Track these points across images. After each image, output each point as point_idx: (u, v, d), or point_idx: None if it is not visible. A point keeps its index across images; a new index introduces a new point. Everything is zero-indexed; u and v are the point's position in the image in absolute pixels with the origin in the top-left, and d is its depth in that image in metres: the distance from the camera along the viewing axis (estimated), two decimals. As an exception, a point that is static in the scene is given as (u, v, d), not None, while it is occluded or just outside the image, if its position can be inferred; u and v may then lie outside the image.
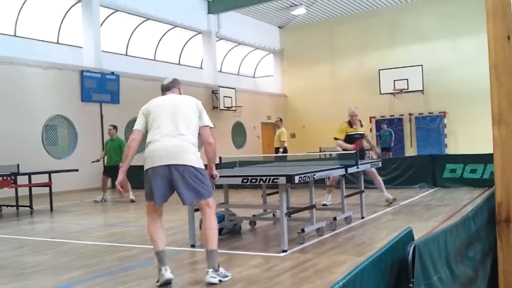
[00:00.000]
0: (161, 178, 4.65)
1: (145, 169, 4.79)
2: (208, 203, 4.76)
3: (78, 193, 15.45)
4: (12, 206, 11.31)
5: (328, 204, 9.64)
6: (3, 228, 9.14)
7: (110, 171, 12.83)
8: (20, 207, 11.29)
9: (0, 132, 14.52)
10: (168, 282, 4.59)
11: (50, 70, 16.27)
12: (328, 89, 26.47)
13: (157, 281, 4.64)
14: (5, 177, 10.37)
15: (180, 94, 5.16)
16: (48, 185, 11.16)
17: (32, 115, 15.56)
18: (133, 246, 6.64)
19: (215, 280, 4.57)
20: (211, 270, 4.60)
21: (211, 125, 4.97)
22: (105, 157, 13.57)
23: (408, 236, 2.54)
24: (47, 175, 11.21)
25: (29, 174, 10.92)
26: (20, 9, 16.82)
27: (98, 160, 14.14)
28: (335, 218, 7.15)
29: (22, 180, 10.96)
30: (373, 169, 9.27)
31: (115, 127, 13.35)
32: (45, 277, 5.23)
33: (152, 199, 4.75)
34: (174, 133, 4.62)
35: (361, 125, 9.88)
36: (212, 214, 4.77)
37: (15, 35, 16.88)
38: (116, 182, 4.94)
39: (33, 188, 11.11)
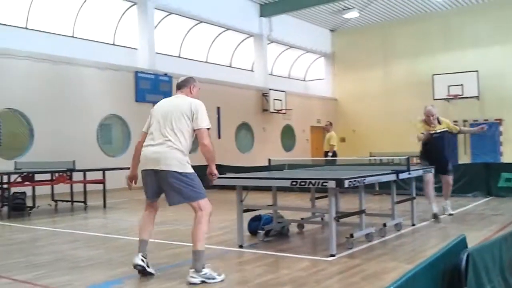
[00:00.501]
0: (150, 179, 5.05)
1: (141, 169, 5.16)
2: (199, 205, 4.93)
3: (130, 191, 15.76)
4: (67, 201, 11.70)
5: (444, 213, 8.90)
6: (58, 222, 9.48)
7: None
8: (74, 203, 11.67)
9: (58, 129, 15.07)
10: (135, 266, 5.00)
11: (106, 71, 16.76)
12: (379, 94, 26.11)
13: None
14: (61, 173, 10.75)
15: (191, 92, 5.41)
16: (102, 182, 11.49)
17: (88, 114, 16.07)
18: (182, 244, 6.75)
19: (195, 281, 4.71)
20: (192, 270, 4.74)
21: (207, 126, 5.15)
22: None
23: (461, 244, 2.50)
24: (101, 172, 11.56)
25: (84, 171, 11.29)
26: (78, 11, 17.39)
27: None
28: (384, 225, 7.05)
29: (77, 176, 11.33)
30: (431, 178, 8.65)
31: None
32: (98, 270, 5.39)
33: (146, 195, 5.22)
34: (161, 140, 4.96)
35: (439, 122, 8.89)
36: (202, 216, 4.90)
37: (73, 36, 17.46)
38: (127, 177, 5.48)
39: (87, 184, 11.48)
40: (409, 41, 25.44)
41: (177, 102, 5.23)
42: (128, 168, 13.07)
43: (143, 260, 5.02)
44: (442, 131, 8.86)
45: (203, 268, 4.78)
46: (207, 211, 4.96)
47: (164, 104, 5.30)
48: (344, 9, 24.57)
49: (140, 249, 5.11)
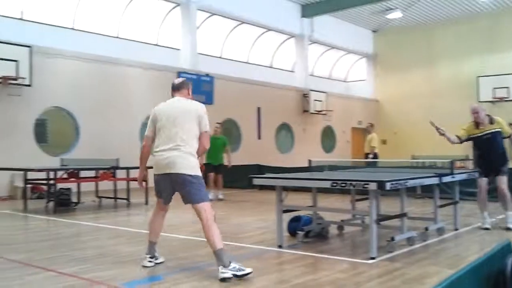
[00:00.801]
0: (164, 183, 5.31)
1: (154, 173, 5.39)
2: (204, 207, 5.12)
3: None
4: (110, 198, 11.96)
5: (489, 227, 7.81)
6: (102, 218, 9.71)
7: (215, 169, 12.98)
8: (118, 199, 11.92)
9: (102, 128, 15.43)
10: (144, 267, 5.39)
11: (149, 71, 17.06)
12: (422, 95, 25.67)
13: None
14: (105, 171, 11.01)
15: (189, 95, 5.61)
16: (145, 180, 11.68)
17: (132, 113, 16.39)
18: (223, 243, 6.79)
19: (227, 275, 4.79)
20: (221, 267, 4.85)
21: (209, 130, 5.48)
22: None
23: (506, 249, 2.46)
24: (143, 170, 11.74)
25: (127, 169, 11.52)
26: (123, 12, 17.78)
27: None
28: (426, 228, 6.93)
29: (120, 174, 11.57)
30: (483, 184, 7.99)
31: (222, 125, 13.11)
32: (140, 266, 5.50)
33: (161, 198, 5.46)
34: (173, 145, 5.18)
35: (491, 122, 8.02)
36: (208, 219, 5.10)
37: (118, 37, 17.86)
38: (138, 178, 5.83)
39: (130, 182, 11.72)
40: (453, 41, 24.93)
41: (184, 105, 5.43)
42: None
43: (150, 261, 5.41)
44: (492, 132, 7.96)
45: (230, 262, 4.87)
46: (212, 214, 5.16)
47: (169, 107, 5.45)
48: (387, 10, 24.27)
49: (150, 251, 5.44)
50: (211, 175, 12.89)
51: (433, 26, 25.71)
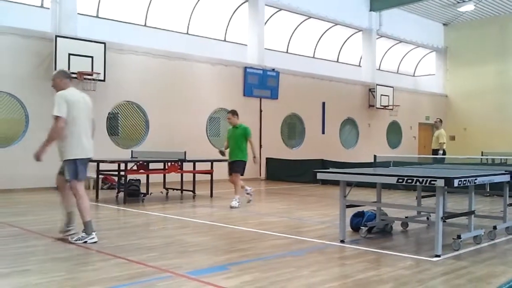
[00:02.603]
0: (85, 165, 6.47)
1: (75, 158, 6.31)
2: (70, 185, 6.36)
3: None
4: (177, 189, 12.31)
5: None
6: (169, 209, 10.02)
7: (230, 167, 10.81)
8: (184, 191, 12.25)
9: (171, 121, 15.88)
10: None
11: (217, 66, 17.37)
12: (494, 91, 24.68)
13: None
14: (173, 163, 11.34)
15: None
16: (210, 172, 11.97)
17: (199, 107, 16.76)
18: (284, 236, 6.89)
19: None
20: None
21: (57, 114, 6.16)
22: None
23: None
24: (209, 163, 12.03)
25: (194, 162, 11.83)
26: (193, 9, 18.17)
27: (222, 153, 11.13)
28: (495, 227, 6.72)
29: (187, 166, 11.88)
30: None
31: (234, 113, 10.71)
32: (205, 256, 5.67)
33: (84, 178, 6.49)
34: (89, 134, 6.50)
35: None
36: (73, 194, 6.42)
37: (187, 33, 18.30)
38: (35, 154, 6.27)
39: (196, 174, 12.02)
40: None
41: (87, 98, 6.59)
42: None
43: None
44: None
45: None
46: (75, 189, 6.35)
47: (80, 98, 6.45)
48: (458, 2, 23.47)
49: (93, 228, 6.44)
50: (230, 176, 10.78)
51: (506, 19, 24.64)
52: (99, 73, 14.04)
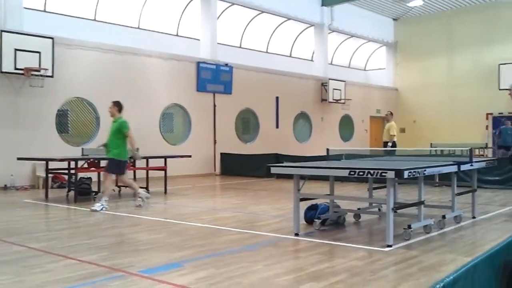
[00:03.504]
0: None
1: None
2: None
3: (190, 178, 16.18)
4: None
5: None
6: (121, 207, 9.84)
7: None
8: (137, 189, 12.05)
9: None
10: None
11: (169, 61, 17.15)
12: (442, 84, 25.39)
13: None
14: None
15: None
16: (164, 169, 11.83)
17: (151, 103, 16.51)
18: (239, 231, 6.88)
19: None
20: None
21: None
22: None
23: (523, 236, 2.45)
24: (163, 159, 11.89)
25: (147, 158, 11.66)
26: (144, 3, 17.87)
27: (105, 145, 10.00)
28: (444, 216, 6.91)
29: (140, 163, 11.70)
30: None
31: (115, 104, 10.00)
32: (159, 253, 5.60)
33: None
34: None
35: None
36: None
37: (138, 28, 17.99)
38: None
39: (149, 171, 11.85)
40: (474, 29, 24.54)
41: None
42: (189, 156, 13.50)
43: None
44: None
45: None
46: None
47: None
48: (407, -3, 24.00)
49: None
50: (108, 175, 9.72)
51: (453, 14, 25.35)
52: (47, 69, 13.61)
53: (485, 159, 8.53)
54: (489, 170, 11.12)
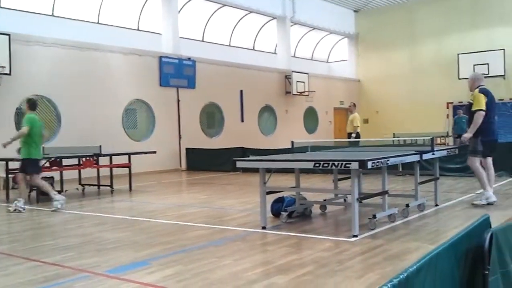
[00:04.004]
0: None
1: None
2: None
3: (155, 174, 16.02)
4: (94, 185, 11.90)
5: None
6: (85, 206, 9.68)
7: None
8: (101, 187, 11.88)
9: (84, 115, 15.29)
10: None
11: (130, 56, 16.90)
12: (404, 74, 25.80)
13: None
14: (88, 158, 10.95)
15: None
16: (128, 166, 11.67)
17: (114, 99, 16.25)
18: (206, 226, 6.85)
19: None
20: None
21: None
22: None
23: (485, 223, 2.50)
24: (127, 156, 11.74)
25: (110, 155, 11.48)
26: (103, -3, 17.57)
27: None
28: (407, 205, 7.03)
29: (103, 161, 11.52)
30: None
31: (28, 101, 9.83)
32: (125, 252, 5.52)
33: None
34: None
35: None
36: None
37: (98, 23, 17.65)
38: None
39: (113, 168, 11.68)
40: (434, 20, 25.01)
41: None
42: (153, 152, 13.37)
43: None
44: (468, 103, 8.09)
45: None
46: None
47: None
48: (367, -11, 24.24)
49: None
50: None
51: (413, 4, 25.75)
52: (4, 67, 13.24)
53: (446, 147, 8.72)
54: (451, 158, 11.38)
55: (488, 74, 22.30)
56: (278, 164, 6.91)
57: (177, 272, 4.60)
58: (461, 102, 23.53)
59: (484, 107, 7.68)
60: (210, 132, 19.90)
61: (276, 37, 24.06)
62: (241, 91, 20.77)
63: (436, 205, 7.83)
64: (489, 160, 8.07)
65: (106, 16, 17.81)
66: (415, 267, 1.90)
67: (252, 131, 21.26)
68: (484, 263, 2.28)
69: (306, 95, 23.65)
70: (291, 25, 24.18)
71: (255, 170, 7.00)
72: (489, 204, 7.76)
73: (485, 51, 22.42)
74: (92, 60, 15.74)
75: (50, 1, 16.31)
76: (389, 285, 1.71)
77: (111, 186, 11.50)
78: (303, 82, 23.36)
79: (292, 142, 8.22)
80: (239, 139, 19.19)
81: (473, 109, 7.78)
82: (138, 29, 19.02)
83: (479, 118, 7.65)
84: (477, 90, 7.87)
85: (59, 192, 10.92)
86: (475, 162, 7.94)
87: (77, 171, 11.73)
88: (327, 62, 29.30)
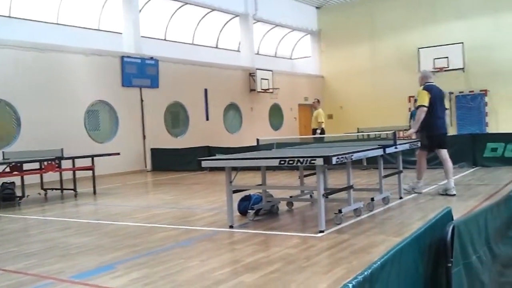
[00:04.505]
0: None
1: None
2: None
3: (120, 176, 15.81)
4: (57, 189, 11.67)
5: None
6: (48, 210, 9.47)
7: None
8: (64, 190, 11.65)
9: (45, 117, 14.94)
10: None
11: (91, 57, 16.60)
12: (366, 69, 26.10)
13: None
14: (50, 162, 10.71)
15: None
16: (91, 168, 11.47)
17: (75, 100, 15.94)
18: (173, 227, 6.78)
19: None
20: None
21: None
22: None
23: (447, 216, 2.54)
24: (90, 159, 11.53)
25: (73, 158, 11.25)
26: (61, -3, 17.20)
27: None
28: (372, 199, 7.12)
29: (66, 164, 11.29)
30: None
31: None
32: (90, 257, 5.42)
33: None
34: None
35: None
36: None
37: (57, 23, 17.27)
38: None
39: (76, 171, 11.46)
40: (395, 15, 25.37)
41: None
42: (117, 154, 13.16)
43: None
44: (415, 100, 8.68)
45: None
46: None
47: None
48: (328, -15, 24.42)
49: None
50: None
51: (374, 0, 26.07)
52: (-41, 70, 12.85)
53: (409, 141, 8.85)
54: (413, 151, 11.56)
55: (448, 67, 22.83)
56: (243, 163, 6.88)
57: (143, 275, 4.54)
58: (422, 96, 24.01)
59: (426, 103, 8.09)
60: (175, 132, 19.75)
61: (239, 35, 24.03)
62: (206, 90, 20.66)
63: (400, 198, 7.95)
64: (444, 152, 8.34)
65: (65, 16, 17.44)
66: (379, 262, 1.92)
67: (217, 129, 21.19)
68: (447, 256, 2.31)
69: (271, 92, 23.70)
70: (254, 23, 24.17)
71: (221, 169, 6.98)
72: (448, 195, 8.03)
73: (444, 45, 22.86)
74: (52, 61, 15.40)
75: (7, 1, 15.87)
76: (354, 282, 1.72)
77: (74, 189, 11.29)
78: (267, 79, 23.40)
79: (258, 140, 8.22)
80: (205, 138, 19.11)
81: (416, 105, 8.32)
82: (98, 29, 18.69)
83: (421, 114, 8.12)
84: (421, 87, 8.35)
85: (21, 198, 10.68)
86: (420, 155, 8.52)
87: (39, 175, 11.47)
88: (291, 59, 29.41)
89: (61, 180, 11.63)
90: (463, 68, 22.86)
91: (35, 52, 14.99)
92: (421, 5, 24.63)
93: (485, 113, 23.28)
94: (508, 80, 21.81)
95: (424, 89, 8.22)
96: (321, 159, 5.50)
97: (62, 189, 11.64)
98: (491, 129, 22.44)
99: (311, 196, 8.11)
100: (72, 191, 11.31)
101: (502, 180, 9.54)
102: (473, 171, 11.38)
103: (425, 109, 8.05)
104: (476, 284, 2.56)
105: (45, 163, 10.74)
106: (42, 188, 11.70)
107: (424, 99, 8.11)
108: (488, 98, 23.18)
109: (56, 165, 10.83)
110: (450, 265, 2.29)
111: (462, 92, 23.67)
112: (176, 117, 20.02)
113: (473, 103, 23.54)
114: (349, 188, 6.60)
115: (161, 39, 21.08)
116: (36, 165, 10.91)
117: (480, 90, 23.25)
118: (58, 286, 4.39)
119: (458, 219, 2.50)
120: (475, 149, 12.21)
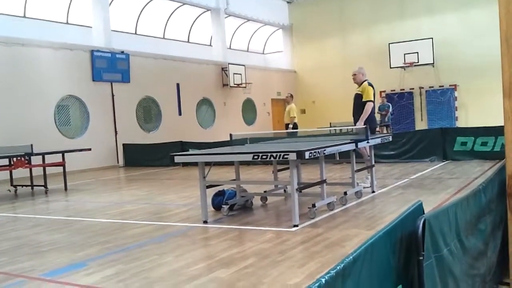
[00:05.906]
0: None
1: None
2: None
3: (92, 172, 15.62)
4: (27, 186, 11.47)
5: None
6: (19, 207, 9.30)
7: None
8: (35, 187, 11.45)
9: (14, 113, 14.65)
10: None
11: (60, 51, 16.31)
12: (338, 64, 26.27)
13: None
14: (19, 158, 10.51)
15: None
16: (62, 164, 11.29)
17: (44, 96, 15.66)
18: (147, 223, 6.74)
19: None
20: None
21: None
22: None
23: (418, 210, 2.57)
24: (60, 154, 11.35)
25: (43, 154, 11.06)
26: (29, -10, 16.83)
27: None
28: (345, 193, 7.19)
29: (36, 160, 11.09)
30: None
31: None
32: (61, 254, 5.34)
33: None
34: None
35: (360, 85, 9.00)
36: None
37: (24, 17, 16.90)
38: None
39: (47, 167, 11.27)
40: (365, 10, 25.58)
41: None
42: (88, 149, 13.00)
43: None
44: (356, 95, 9.00)
45: None
46: None
47: None
48: (300, -20, 24.48)
49: None
50: None
51: (345, -5, 26.26)
52: None
53: (380, 135, 8.96)
54: (385, 146, 11.73)
55: (418, 62, 23.16)
56: (217, 158, 6.88)
57: (116, 272, 4.50)
58: (394, 90, 24.30)
59: (373, 98, 8.73)
60: (148, 127, 19.58)
61: (211, 29, 23.91)
62: (178, 84, 20.54)
63: (373, 191, 8.05)
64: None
65: (33, 9, 17.08)
66: (351, 257, 1.94)
67: (190, 124, 21.09)
68: (418, 249, 2.35)
69: (244, 87, 23.69)
70: (226, 17, 24.09)
71: (195, 164, 6.95)
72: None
73: (414, 40, 23.18)
74: (19, 55, 15.09)
75: (-28, -6, 15.48)
76: (326, 277, 1.73)
77: (45, 186, 11.10)
78: (240, 74, 23.37)
79: (231, 135, 8.21)
80: (178, 133, 19.00)
81: (364, 100, 8.73)
82: (67, 23, 18.36)
83: (369, 108, 8.65)
84: (366, 83, 8.88)
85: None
86: (363, 149, 8.59)
87: (8, 172, 11.25)
88: (263, 53, 29.42)
89: (31, 177, 11.43)
90: (432, 63, 23.23)
91: (2, 46, 14.67)
92: (390, 1, 24.90)
93: (454, 108, 23.70)
94: (477, 75, 22.23)
95: (368, 85, 8.83)
96: (294, 154, 5.53)
97: (32, 186, 11.44)
98: (461, 123, 22.86)
99: (285, 190, 8.14)
100: (42, 188, 11.12)
101: (472, 174, 9.73)
102: (444, 165, 11.58)
103: (372, 103, 8.69)
104: (447, 277, 2.61)
105: (15, 159, 10.53)
106: (11, 185, 11.48)
107: (371, 94, 8.75)
108: (457, 92, 23.60)
109: (26, 161, 10.64)
110: (421, 258, 2.32)
111: (432, 87, 24.04)
112: (148, 112, 19.85)
113: (443, 98, 23.94)
114: (322, 182, 6.65)
115: (132, 33, 20.85)
116: (5, 162, 10.69)
117: (450, 85, 23.65)
118: (29, 284, 4.33)
119: (429, 212, 2.54)
120: (445, 143, 12.42)
